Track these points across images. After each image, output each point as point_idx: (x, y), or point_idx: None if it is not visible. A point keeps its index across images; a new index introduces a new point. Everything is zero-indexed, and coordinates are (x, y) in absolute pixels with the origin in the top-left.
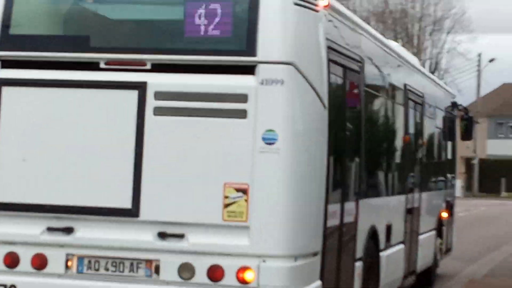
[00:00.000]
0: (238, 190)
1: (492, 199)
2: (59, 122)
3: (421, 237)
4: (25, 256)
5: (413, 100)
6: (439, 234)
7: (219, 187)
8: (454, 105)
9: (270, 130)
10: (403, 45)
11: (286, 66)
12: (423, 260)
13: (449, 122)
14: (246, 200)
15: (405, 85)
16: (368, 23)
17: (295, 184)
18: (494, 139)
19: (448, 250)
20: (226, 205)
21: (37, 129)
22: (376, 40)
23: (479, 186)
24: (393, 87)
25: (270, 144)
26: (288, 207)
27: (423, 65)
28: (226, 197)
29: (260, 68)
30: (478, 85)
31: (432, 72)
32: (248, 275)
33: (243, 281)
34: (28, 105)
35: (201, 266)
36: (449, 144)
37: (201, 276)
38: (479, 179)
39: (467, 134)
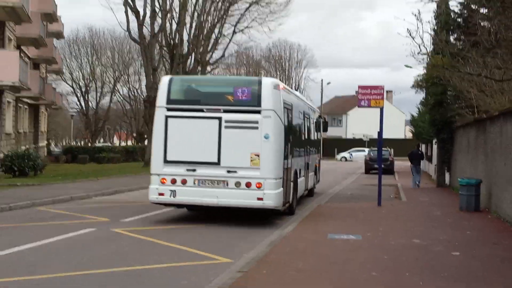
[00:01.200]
0: (256, 155)
1: (331, 160)
2: (193, 131)
3: (309, 174)
4: (179, 179)
5: (307, 118)
6: (315, 173)
7: (248, 153)
8: (320, 116)
9: (267, 133)
10: (279, 75)
11: (271, 111)
12: (310, 184)
13: (318, 124)
14: (258, 158)
15: (303, 111)
16: (260, 63)
17: (275, 153)
18: (330, 127)
19: (318, 181)
20: (251, 160)
21: (185, 133)
22: (295, 95)
23: (322, 154)
24: (300, 113)
25: (266, 138)
26: (273, 161)
27: (292, 87)
28: (251, 157)
29: (262, 111)
30: (321, 98)
31: (296, 90)
32: (260, 185)
33: (258, 187)
34: (180, 125)
35: (243, 182)
36: (318, 134)
37: (242, 185)
38: (323, 150)
39: (324, 129)
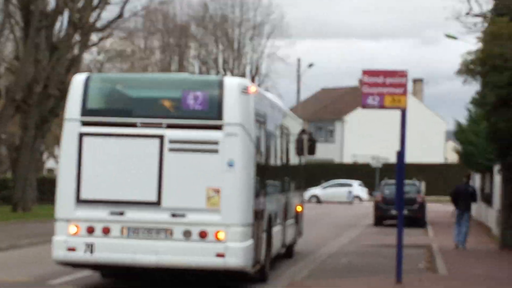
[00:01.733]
0: (215, 190)
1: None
2: (120, 155)
3: (288, 222)
4: (99, 226)
5: (286, 135)
6: (297, 221)
7: (204, 188)
8: (303, 131)
9: (231, 159)
10: (224, 50)
11: (239, 126)
12: (289, 238)
13: (300, 144)
14: (219, 196)
15: (281, 125)
16: (188, 28)
17: (243, 187)
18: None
19: (300, 234)
20: (208, 198)
21: (109, 158)
22: (269, 101)
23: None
24: (277, 127)
25: (231, 166)
26: (240, 200)
27: (244, 70)
28: (208, 194)
29: (225, 126)
30: (298, 90)
31: (253, 78)
32: (221, 235)
33: (217, 239)
34: (101, 146)
35: (195, 230)
36: (302, 158)
37: (194, 236)
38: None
39: (312, 151)
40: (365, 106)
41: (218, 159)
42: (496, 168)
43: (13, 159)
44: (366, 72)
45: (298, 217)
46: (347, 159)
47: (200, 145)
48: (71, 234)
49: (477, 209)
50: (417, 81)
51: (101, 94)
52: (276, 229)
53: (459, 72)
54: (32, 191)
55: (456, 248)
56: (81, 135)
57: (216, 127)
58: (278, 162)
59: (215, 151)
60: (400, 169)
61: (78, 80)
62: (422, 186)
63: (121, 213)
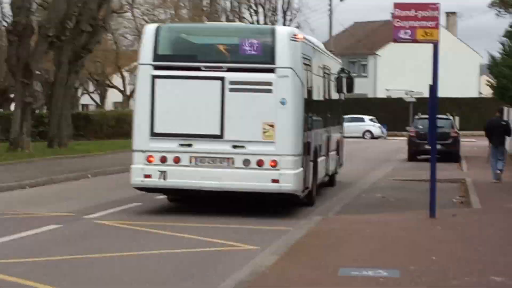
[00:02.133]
0: (269, 125)
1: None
2: (188, 95)
3: (330, 153)
4: (170, 156)
5: (328, 75)
6: (338, 153)
7: (260, 123)
8: (342, 70)
9: (283, 98)
10: None
11: (289, 69)
12: (331, 168)
13: (340, 82)
14: (273, 130)
15: (324, 66)
16: None
17: (294, 123)
18: None
19: (341, 165)
20: (264, 132)
21: (178, 97)
22: (313, 45)
23: None
24: (320, 69)
25: (283, 104)
26: (291, 133)
27: (276, 4)
28: (264, 128)
29: (277, 69)
30: (330, 24)
31: (285, 12)
32: (275, 163)
33: (273, 166)
34: (171, 87)
35: (253, 159)
36: (341, 96)
37: (253, 164)
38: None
39: (350, 89)
40: (396, 40)
41: (272, 98)
42: None
43: (48, 95)
44: (397, 5)
45: (339, 149)
46: (381, 94)
47: (256, 86)
48: (147, 162)
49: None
50: (451, 14)
51: (169, 42)
52: (321, 160)
53: (493, 4)
54: (67, 127)
55: (495, 182)
56: (153, 77)
57: (270, 70)
58: (322, 100)
59: (269, 91)
60: (432, 104)
61: (149, 30)
62: (456, 120)
63: (189, 145)
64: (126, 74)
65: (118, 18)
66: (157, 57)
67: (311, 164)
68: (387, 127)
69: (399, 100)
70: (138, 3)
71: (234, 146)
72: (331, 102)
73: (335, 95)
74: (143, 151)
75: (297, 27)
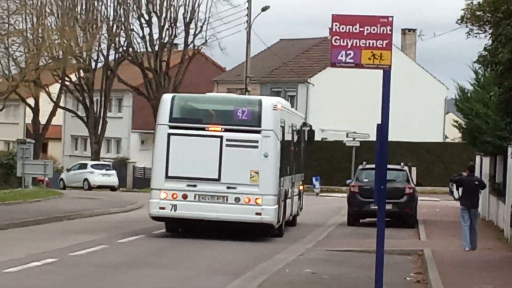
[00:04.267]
0: (255, 172)
1: None
2: (194, 148)
3: (294, 196)
4: (180, 193)
5: (295, 131)
6: (299, 197)
7: (248, 170)
8: (304, 124)
9: (266, 152)
10: None
11: (271, 131)
12: (294, 209)
13: (301, 135)
14: (258, 176)
15: (291, 124)
16: None
17: (273, 171)
18: None
19: (301, 208)
20: (251, 177)
21: (187, 149)
22: (287, 110)
23: None
24: (289, 127)
25: (266, 157)
26: (271, 178)
27: (176, 14)
28: (251, 174)
29: (262, 131)
30: (248, 41)
31: (187, 25)
32: (259, 200)
33: (256, 203)
34: (181, 142)
35: (242, 197)
36: (303, 147)
37: (242, 201)
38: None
39: (311, 140)
40: (335, 64)
41: (258, 152)
42: (511, 149)
43: None
44: (337, 18)
45: (300, 194)
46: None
47: (246, 143)
48: (162, 198)
49: (483, 202)
50: (408, 32)
51: (181, 108)
52: (289, 201)
53: (462, 20)
54: None
55: (467, 251)
56: (169, 135)
57: (257, 131)
58: (291, 152)
59: (256, 147)
60: (382, 149)
61: (166, 98)
62: (413, 172)
63: (194, 185)
64: None
65: None
66: (172, 119)
67: (282, 203)
68: (320, 179)
69: (338, 143)
70: None
71: (228, 187)
72: (296, 153)
73: (299, 147)
74: (159, 189)
75: (204, 43)
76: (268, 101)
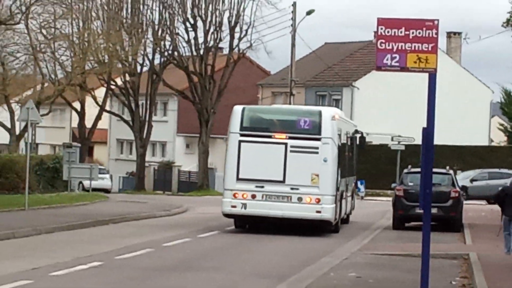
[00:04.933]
0: (315, 175)
1: None
2: (262, 153)
3: (348, 197)
4: (249, 194)
5: (349, 138)
6: (352, 197)
7: (309, 173)
8: (356, 130)
9: (325, 157)
10: None
11: (330, 139)
12: (348, 208)
13: (354, 141)
14: (318, 178)
15: (347, 131)
16: None
17: (332, 174)
18: None
19: (353, 208)
20: (312, 179)
21: (255, 155)
22: (344, 120)
23: None
24: (345, 134)
25: (325, 161)
26: (330, 181)
27: (221, 18)
28: (312, 177)
29: (322, 139)
30: (293, 44)
31: (232, 28)
32: (319, 200)
33: (317, 202)
34: (251, 148)
35: (304, 197)
36: (356, 152)
37: (304, 200)
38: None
39: (362, 146)
40: (380, 67)
41: (318, 157)
42: None
43: None
44: (382, 22)
45: (353, 195)
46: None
47: (307, 149)
48: (233, 198)
49: None
50: (453, 35)
51: (250, 118)
52: (344, 201)
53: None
54: None
55: (506, 254)
56: (240, 142)
57: (317, 139)
58: (346, 157)
59: (316, 152)
60: (427, 153)
61: (238, 109)
62: (459, 176)
63: (262, 186)
64: (15, 106)
65: (7, 31)
66: (242, 128)
67: (339, 203)
68: (365, 183)
69: (383, 147)
70: (34, 11)
71: (292, 188)
72: (350, 158)
73: (352, 152)
74: (231, 190)
75: (249, 47)
76: (328, 112)
